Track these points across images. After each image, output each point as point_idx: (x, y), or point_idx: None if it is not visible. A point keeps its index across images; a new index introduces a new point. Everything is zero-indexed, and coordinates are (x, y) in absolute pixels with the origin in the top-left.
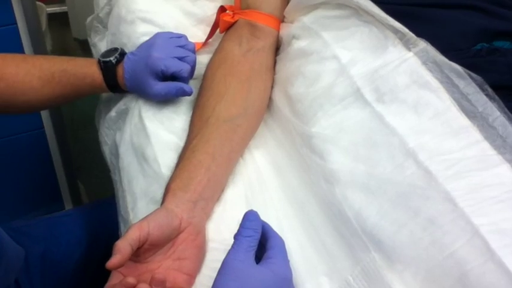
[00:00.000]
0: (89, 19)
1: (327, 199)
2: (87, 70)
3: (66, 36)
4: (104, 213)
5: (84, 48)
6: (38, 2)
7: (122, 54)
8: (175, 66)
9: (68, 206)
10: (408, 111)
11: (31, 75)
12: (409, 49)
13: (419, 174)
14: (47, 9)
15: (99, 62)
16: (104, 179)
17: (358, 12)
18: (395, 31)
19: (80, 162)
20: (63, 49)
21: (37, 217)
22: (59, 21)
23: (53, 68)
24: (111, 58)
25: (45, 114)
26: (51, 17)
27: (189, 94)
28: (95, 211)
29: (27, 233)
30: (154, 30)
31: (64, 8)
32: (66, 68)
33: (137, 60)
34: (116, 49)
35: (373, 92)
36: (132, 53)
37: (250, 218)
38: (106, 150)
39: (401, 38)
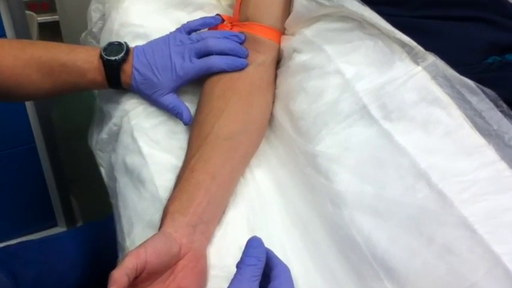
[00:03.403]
0: (83, 35)
1: (333, 222)
2: (88, 66)
3: None
4: (99, 235)
5: None
6: (28, 12)
7: (128, 51)
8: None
9: (61, 222)
10: (417, 130)
11: (29, 68)
12: (417, 63)
13: (432, 197)
14: (38, 18)
15: (101, 58)
16: (99, 193)
17: (363, 24)
18: (403, 45)
19: (73, 175)
20: None
21: (30, 239)
22: (51, 30)
23: (52, 61)
24: (117, 57)
25: (36, 129)
26: (43, 26)
27: (186, 121)
28: (90, 233)
29: (20, 256)
30: None
31: (55, 17)
32: (66, 61)
33: (161, 44)
34: (119, 44)
35: (380, 109)
36: (145, 46)
37: (253, 244)
38: (103, 172)
39: (409, 51)
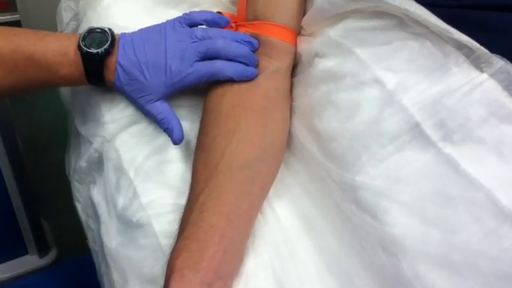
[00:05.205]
0: None
1: (388, 275)
2: (61, 60)
3: None
4: (78, 277)
5: None
6: None
7: (113, 41)
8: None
9: (32, 250)
10: (489, 155)
11: None
12: (480, 70)
13: None
14: None
15: (79, 49)
16: (72, 212)
17: (404, 21)
18: (459, 46)
19: (43, 193)
20: None
21: None
22: None
23: (15, 53)
24: (99, 50)
25: None
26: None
27: (175, 140)
28: (66, 276)
29: None
30: None
31: (16, 17)
32: (33, 53)
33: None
34: (102, 31)
35: (437, 128)
36: (134, 35)
37: None
38: (79, 208)
39: (468, 54)
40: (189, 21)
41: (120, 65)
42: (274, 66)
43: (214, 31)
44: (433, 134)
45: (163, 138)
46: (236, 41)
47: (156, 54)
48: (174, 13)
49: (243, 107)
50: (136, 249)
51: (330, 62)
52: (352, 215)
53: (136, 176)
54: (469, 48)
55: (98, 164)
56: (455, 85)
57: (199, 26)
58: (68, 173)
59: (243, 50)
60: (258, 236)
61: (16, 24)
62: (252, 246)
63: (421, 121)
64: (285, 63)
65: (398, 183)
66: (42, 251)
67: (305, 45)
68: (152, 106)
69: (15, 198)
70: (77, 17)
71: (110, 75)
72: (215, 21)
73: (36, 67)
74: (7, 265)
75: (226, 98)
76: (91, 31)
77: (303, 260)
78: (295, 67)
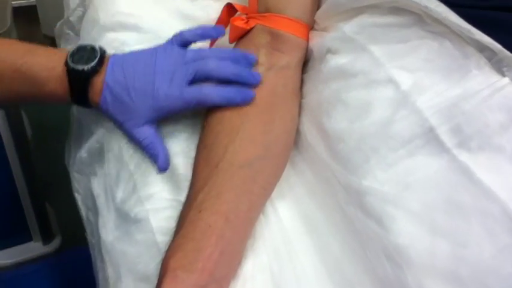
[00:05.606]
0: (58, 25)
1: (391, 285)
2: (47, 74)
3: (35, 33)
4: (75, 269)
5: (55, 46)
6: None
7: (102, 58)
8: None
9: (36, 236)
10: (508, 165)
11: None
12: (502, 73)
13: None
14: (13, 2)
15: (66, 65)
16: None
17: (423, 19)
18: (481, 47)
19: (49, 178)
20: None
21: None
22: (27, 16)
23: (3, 63)
24: (86, 67)
25: (5, 132)
26: (18, 11)
27: (160, 167)
28: (66, 266)
29: None
30: (139, 38)
31: (32, 2)
32: (20, 66)
33: (146, 59)
34: (92, 49)
35: (453, 133)
36: (126, 56)
37: None
38: (79, 200)
39: (490, 57)
40: (181, 41)
41: (107, 85)
42: (283, 61)
43: (207, 51)
44: (448, 139)
45: (165, 131)
46: (230, 59)
47: (144, 77)
48: (182, 3)
49: (250, 104)
50: (132, 244)
51: (343, 59)
52: (356, 219)
53: (136, 169)
54: (491, 50)
55: (99, 155)
56: (474, 89)
57: (192, 45)
58: (68, 163)
59: (236, 69)
60: (258, 238)
61: (32, 9)
62: (252, 248)
63: (436, 125)
64: (295, 58)
65: (408, 189)
66: (46, 238)
67: (317, 41)
68: (138, 131)
69: (21, 185)
70: (83, 3)
71: (94, 95)
72: (207, 35)
73: (22, 80)
74: (11, 251)
75: None
76: (81, 48)
77: (303, 262)
78: (306, 63)
